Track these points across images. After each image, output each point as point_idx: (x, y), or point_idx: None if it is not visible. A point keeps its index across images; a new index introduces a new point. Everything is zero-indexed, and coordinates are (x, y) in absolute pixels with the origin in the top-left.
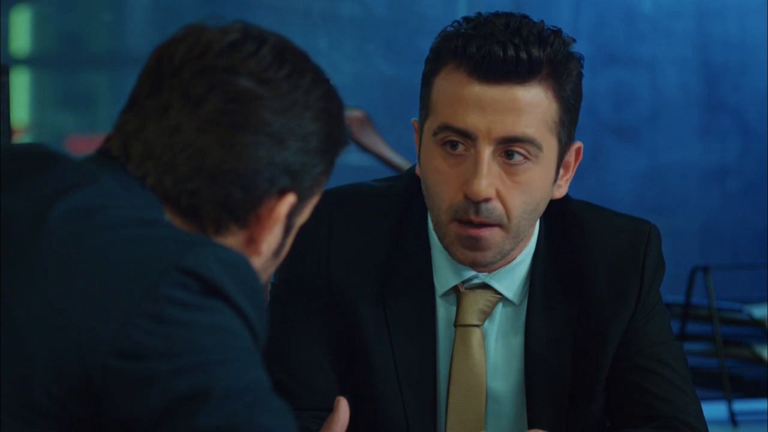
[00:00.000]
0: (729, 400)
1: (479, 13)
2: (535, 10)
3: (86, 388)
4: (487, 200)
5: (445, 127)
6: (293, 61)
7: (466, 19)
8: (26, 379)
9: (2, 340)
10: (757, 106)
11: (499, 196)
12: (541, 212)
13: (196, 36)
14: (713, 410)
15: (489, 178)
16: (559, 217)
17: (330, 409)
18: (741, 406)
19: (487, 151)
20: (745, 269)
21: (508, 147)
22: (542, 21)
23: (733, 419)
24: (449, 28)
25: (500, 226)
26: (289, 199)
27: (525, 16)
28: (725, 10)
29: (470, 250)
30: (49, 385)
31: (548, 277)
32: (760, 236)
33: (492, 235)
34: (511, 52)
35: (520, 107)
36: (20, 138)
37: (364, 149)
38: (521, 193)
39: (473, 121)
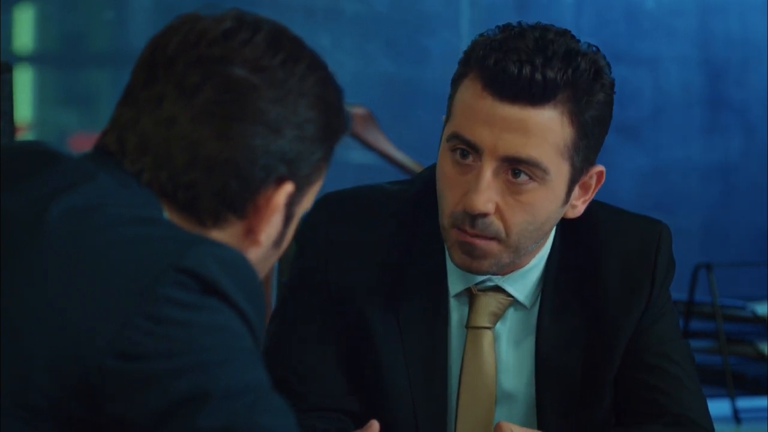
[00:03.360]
0: (732, 397)
1: (519, 23)
2: (538, 8)
3: (86, 389)
4: (484, 215)
5: (456, 136)
6: (288, 48)
7: (502, 27)
8: (26, 380)
9: (2, 340)
10: (759, 103)
11: (499, 211)
12: (548, 231)
13: (190, 25)
14: (716, 407)
15: (487, 194)
16: (573, 218)
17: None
18: (744, 403)
19: (490, 167)
20: (748, 267)
21: (513, 166)
22: (577, 40)
23: (736, 416)
24: (484, 34)
25: (498, 240)
26: (287, 188)
27: (562, 33)
28: (727, 7)
29: (467, 257)
30: (49, 385)
31: (560, 278)
32: (762, 234)
33: (488, 246)
34: (526, 71)
35: (529, 129)
36: (23, 135)
37: (368, 146)
38: (523, 212)
39: (481, 135)
